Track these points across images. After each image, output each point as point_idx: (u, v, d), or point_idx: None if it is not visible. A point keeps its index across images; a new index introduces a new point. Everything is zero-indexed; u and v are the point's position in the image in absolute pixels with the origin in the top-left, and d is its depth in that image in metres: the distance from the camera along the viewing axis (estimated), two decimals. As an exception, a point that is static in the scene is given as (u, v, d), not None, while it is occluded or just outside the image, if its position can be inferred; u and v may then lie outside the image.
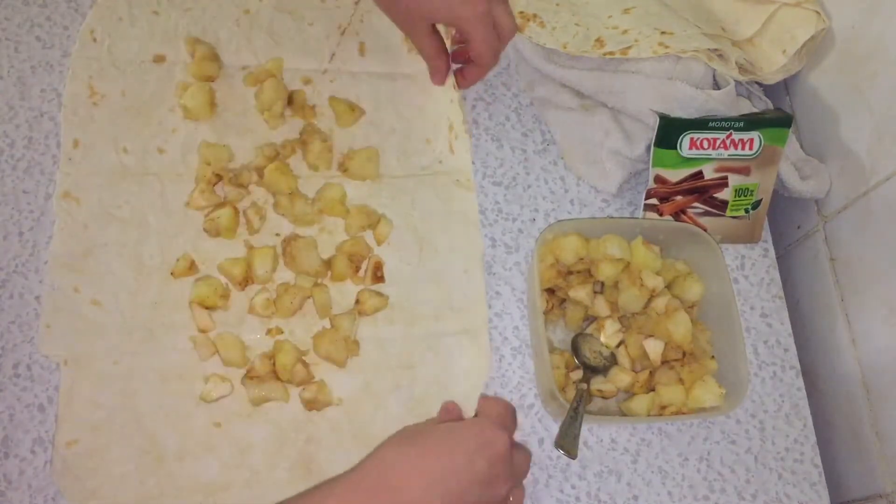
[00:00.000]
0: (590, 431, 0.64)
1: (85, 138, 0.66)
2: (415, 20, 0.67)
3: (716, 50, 0.69)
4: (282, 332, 0.62)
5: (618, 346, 0.64)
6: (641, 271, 0.64)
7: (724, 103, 0.69)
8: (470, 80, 0.72)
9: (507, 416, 0.57)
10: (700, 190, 0.69)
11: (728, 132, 0.67)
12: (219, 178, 0.65)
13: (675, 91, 0.67)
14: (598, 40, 0.71)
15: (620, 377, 0.63)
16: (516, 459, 0.55)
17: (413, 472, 0.51)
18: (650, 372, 0.63)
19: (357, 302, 0.63)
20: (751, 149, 0.68)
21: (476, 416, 0.59)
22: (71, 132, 0.66)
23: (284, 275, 0.64)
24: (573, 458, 0.59)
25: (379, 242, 0.66)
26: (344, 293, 0.64)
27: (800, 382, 0.68)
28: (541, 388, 0.64)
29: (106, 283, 0.62)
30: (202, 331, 0.61)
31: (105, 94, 0.67)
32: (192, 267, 0.63)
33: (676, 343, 0.63)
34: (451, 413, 0.59)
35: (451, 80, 0.72)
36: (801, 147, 0.73)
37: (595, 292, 0.65)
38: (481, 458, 0.52)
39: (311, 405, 0.60)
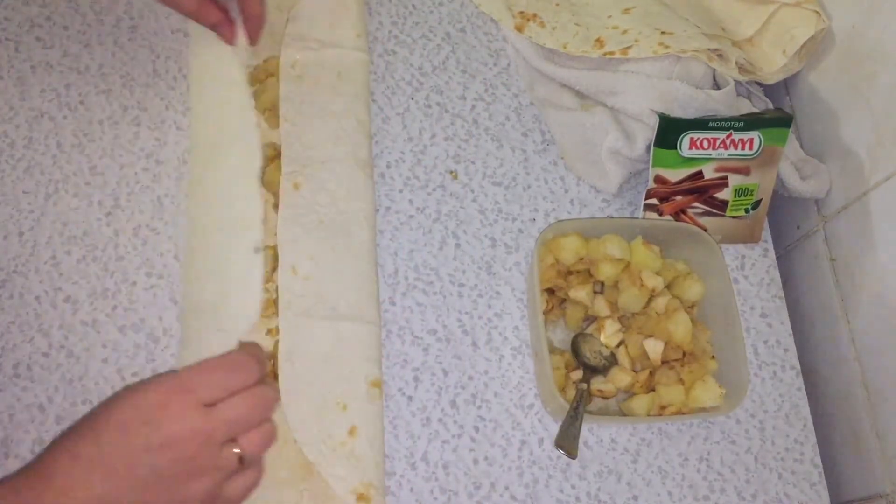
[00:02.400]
0: (590, 431, 0.64)
1: None
2: None
3: (716, 50, 0.69)
4: None
5: (618, 346, 0.64)
6: (641, 271, 0.64)
7: (724, 103, 0.69)
8: (254, 36, 0.69)
9: (193, 373, 0.47)
10: (700, 190, 0.69)
11: (728, 132, 0.67)
12: None
13: (675, 91, 0.67)
14: (598, 40, 0.71)
15: (620, 377, 0.63)
16: (228, 407, 0.46)
17: (96, 481, 0.44)
18: (650, 372, 0.63)
19: None
20: (751, 149, 0.68)
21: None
22: None
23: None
24: (573, 458, 0.59)
25: None
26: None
27: (800, 382, 0.68)
28: (541, 388, 0.64)
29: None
30: None
31: None
32: None
33: (676, 343, 0.63)
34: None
35: (242, 37, 0.69)
36: (801, 147, 0.74)
37: (595, 292, 0.65)
38: (144, 431, 0.44)
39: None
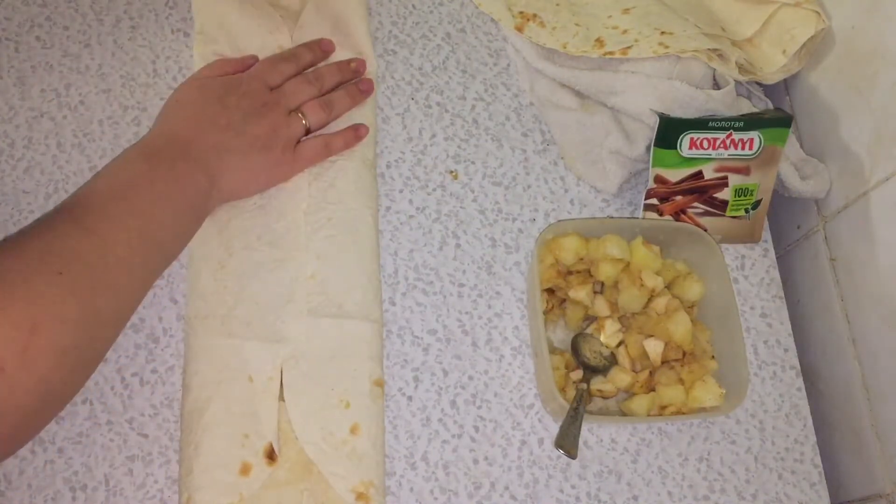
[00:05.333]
0: (590, 431, 0.64)
1: None
2: None
3: (716, 50, 0.69)
4: None
5: (618, 346, 0.64)
6: (641, 271, 0.64)
7: (724, 103, 0.69)
8: None
9: (259, 65, 0.65)
10: (700, 190, 0.69)
11: (728, 132, 0.67)
12: None
13: (675, 91, 0.67)
14: (598, 40, 0.71)
15: (620, 377, 0.63)
16: (289, 84, 0.64)
17: (194, 125, 0.59)
18: (650, 372, 0.63)
19: None
20: (751, 149, 0.68)
21: None
22: None
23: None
24: (573, 458, 0.59)
25: None
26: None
27: (800, 382, 0.68)
28: (541, 388, 0.64)
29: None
30: None
31: None
32: None
33: (676, 343, 0.63)
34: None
35: None
36: (801, 147, 0.73)
37: (595, 292, 0.65)
38: (231, 98, 0.61)
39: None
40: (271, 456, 0.58)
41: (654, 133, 0.67)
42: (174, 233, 0.57)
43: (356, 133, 0.67)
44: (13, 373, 0.44)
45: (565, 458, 0.62)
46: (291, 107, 0.64)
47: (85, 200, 0.54)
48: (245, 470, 0.57)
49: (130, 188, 0.55)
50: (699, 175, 0.69)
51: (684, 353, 0.63)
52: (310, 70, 0.68)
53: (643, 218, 0.70)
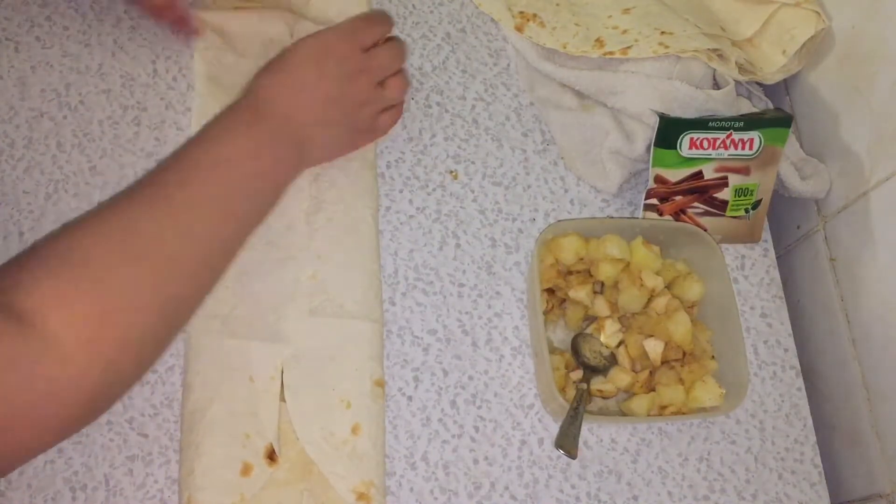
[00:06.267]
0: (590, 431, 0.64)
1: None
2: None
3: (716, 50, 0.69)
4: None
5: (618, 346, 0.64)
6: (641, 271, 0.64)
7: (724, 103, 0.69)
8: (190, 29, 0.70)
9: (356, 23, 0.64)
10: (700, 190, 0.69)
11: (728, 132, 0.67)
12: None
13: (675, 91, 0.67)
14: (598, 40, 0.71)
15: (620, 377, 0.63)
16: (380, 53, 0.63)
17: (294, 97, 0.59)
18: (650, 372, 0.63)
19: None
20: (751, 149, 0.68)
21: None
22: None
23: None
24: (573, 458, 0.59)
25: None
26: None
27: (800, 382, 0.68)
28: (541, 388, 0.64)
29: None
30: None
31: None
32: None
33: (676, 343, 0.63)
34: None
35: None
36: (801, 147, 0.73)
37: (595, 292, 0.65)
38: (329, 64, 0.60)
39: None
40: (272, 457, 0.58)
41: (654, 133, 0.67)
42: (258, 211, 0.57)
43: (400, 112, 0.70)
44: (80, 362, 0.43)
45: (565, 458, 0.62)
46: (379, 78, 0.64)
47: (174, 172, 0.53)
48: (246, 470, 0.57)
49: (227, 163, 0.54)
50: (699, 175, 0.69)
51: (684, 353, 0.63)
52: (392, 40, 0.68)
53: (643, 218, 0.70)
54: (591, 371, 0.63)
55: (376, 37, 0.64)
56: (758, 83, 0.75)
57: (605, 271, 0.64)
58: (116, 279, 0.46)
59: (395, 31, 0.76)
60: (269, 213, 0.58)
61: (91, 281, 0.45)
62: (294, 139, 0.59)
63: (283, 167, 0.59)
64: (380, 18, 0.66)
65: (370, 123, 0.66)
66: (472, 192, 0.71)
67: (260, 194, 0.57)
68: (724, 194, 0.69)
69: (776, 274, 0.72)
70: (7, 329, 0.41)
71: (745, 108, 0.71)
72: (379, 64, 0.64)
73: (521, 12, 0.75)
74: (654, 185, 0.69)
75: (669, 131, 0.67)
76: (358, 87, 0.62)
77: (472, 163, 0.72)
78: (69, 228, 0.49)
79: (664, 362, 0.63)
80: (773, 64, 0.72)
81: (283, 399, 0.60)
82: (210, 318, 0.61)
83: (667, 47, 0.67)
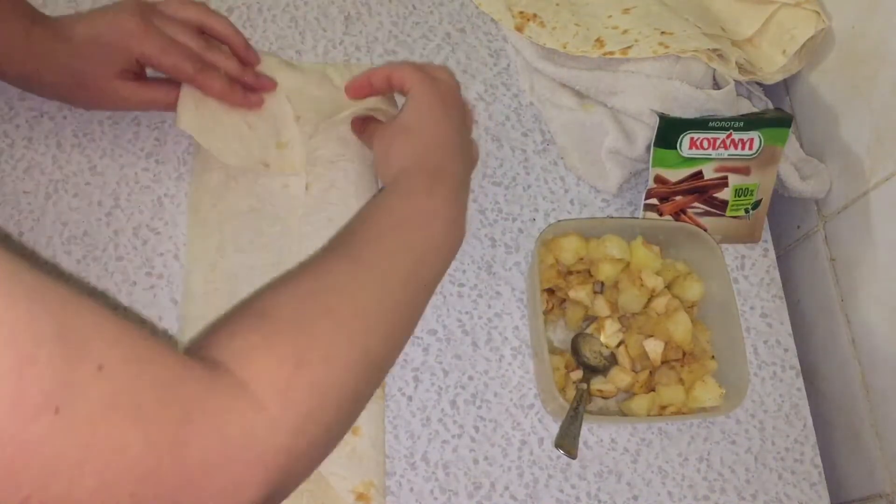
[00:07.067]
0: (590, 431, 0.64)
1: None
2: (96, 78, 0.61)
3: (716, 50, 0.69)
4: None
5: (618, 346, 0.64)
6: (641, 271, 0.64)
7: (724, 103, 0.69)
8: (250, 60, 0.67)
9: (440, 70, 0.64)
10: (700, 190, 0.69)
11: (728, 132, 0.67)
12: None
13: (675, 91, 0.67)
14: (598, 40, 0.71)
15: (620, 377, 0.63)
16: (448, 80, 0.64)
17: (435, 152, 0.59)
18: (650, 372, 0.63)
19: None
20: (751, 149, 0.68)
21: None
22: None
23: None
24: (573, 458, 0.59)
25: None
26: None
27: (800, 382, 0.68)
28: (541, 388, 0.64)
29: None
30: None
31: None
32: None
33: (676, 343, 0.63)
34: (369, 85, 0.65)
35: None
36: (801, 147, 0.74)
37: (595, 292, 0.65)
38: (435, 110, 0.60)
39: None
40: None
41: (654, 133, 0.67)
42: (439, 271, 0.56)
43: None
44: (275, 410, 0.40)
45: (565, 458, 0.62)
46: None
47: (362, 233, 0.53)
48: None
49: (408, 223, 0.54)
50: (699, 175, 0.69)
51: (684, 353, 0.63)
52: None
53: (643, 218, 0.70)
54: (591, 371, 0.63)
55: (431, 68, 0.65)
56: (758, 83, 0.75)
57: (605, 271, 0.64)
58: (311, 330, 0.45)
59: (395, 32, 0.76)
60: (444, 273, 0.58)
61: (285, 333, 0.44)
62: (458, 196, 0.58)
63: (459, 222, 0.58)
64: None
65: (472, 156, 0.65)
66: (472, 192, 0.71)
67: (437, 256, 0.55)
68: (724, 194, 0.69)
69: (776, 274, 0.72)
70: (201, 376, 0.39)
71: (745, 108, 0.71)
72: (454, 90, 0.64)
73: (521, 12, 0.75)
74: (654, 185, 0.69)
75: (669, 131, 0.67)
76: (467, 122, 0.64)
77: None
78: (264, 291, 0.48)
79: (664, 362, 0.63)
80: (773, 64, 0.72)
81: None
82: (197, 320, 0.61)
83: (667, 47, 0.68)
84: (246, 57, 0.66)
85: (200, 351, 0.42)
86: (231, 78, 0.64)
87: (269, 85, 0.67)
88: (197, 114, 0.63)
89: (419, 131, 0.60)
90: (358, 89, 0.66)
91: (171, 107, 0.64)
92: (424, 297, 0.55)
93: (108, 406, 0.33)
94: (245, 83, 0.65)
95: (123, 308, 0.62)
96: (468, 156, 0.63)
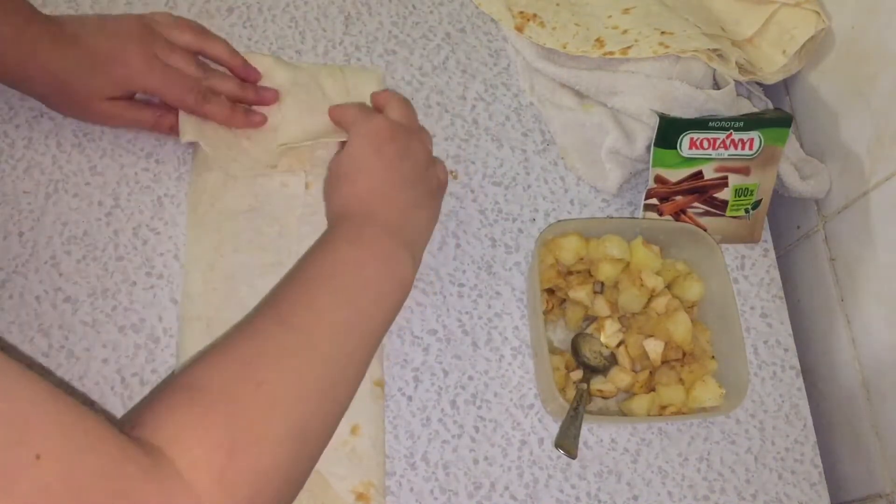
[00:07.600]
0: (590, 431, 0.64)
1: None
2: (87, 97, 0.62)
3: (716, 50, 0.69)
4: None
5: (618, 346, 0.64)
6: (641, 271, 0.64)
7: (724, 103, 0.69)
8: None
9: (405, 108, 0.63)
10: (700, 190, 0.69)
11: (728, 132, 0.67)
12: None
13: (675, 91, 0.67)
14: (598, 40, 0.71)
15: (620, 377, 0.63)
16: (403, 113, 0.63)
17: (371, 195, 0.58)
18: (650, 372, 0.63)
19: None
20: (751, 149, 0.68)
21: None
22: None
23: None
24: (573, 458, 0.59)
25: None
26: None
27: (800, 382, 0.68)
28: (541, 388, 0.64)
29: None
30: None
31: None
32: None
33: (676, 343, 0.63)
34: (344, 116, 0.64)
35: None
36: (801, 147, 0.74)
37: (595, 292, 0.65)
38: (384, 148, 0.59)
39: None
40: None
41: (654, 133, 0.67)
42: (381, 319, 0.54)
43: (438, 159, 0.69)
44: (210, 500, 0.40)
45: (565, 458, 0.62)
46: (420, 134, 0.63)
47: (290, 291, 0.52)
48: None
49: (337, 275, 0.52)
50: (699, 175, 0.69)
51: (684, 353, 0.63)
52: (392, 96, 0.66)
53: (643, 218, 0.70)
54: (591, 371, 0.63)
55: (387, 99, 0.64)
56: (758, 83, 0.75)
57: (605, 271, 0.64)
58: (243, 409, 0.43)
59: (395, 32, 0.76)
60: (394, 316, 0.56)
61: (218, 410, 0.43)
62: (396, 234, 0.56)
63: (398, 270, 0.55)
64: (410, 106, 0.65)
65: (438, 179, 0.63)
66: (472, 192, 0.71)
67: (377, 302, 0.54)
68: (724, 194, 0.69)
69: (776, 274, 0.72)
70: (138, 465, 0.38)
71: (745, 108, 0.71)
72: (411, 122, 0.63)
73: (521, 12, 0.75)
74: (654, 185, 0.69)
75: (669, 131, 0.67)
76: (416, 153, 0.61)
77: (472, 163, 0.72)
78: (196, 359, 0.47)
79: (664, 362, 0.63)
80: (773, 64, 0.72)
81: None
82: (194, 320, 0.61)
83: (667, 47, 0.68)
84: (246, 77, 0.67)
85: (135, 430, 0.41)
86: (233, 99, 0.65)
87: (271, 97, 0.67)
88: (198, 135, 0.64)
89: (347, 177, 0.59)
90: (331, 118, 0.66)
91: (157, 127, 0.65)
92: (366, 348, 0.52)
93: (44, 494, 0.33)
94: (247, 101, 0.66)
95: (123, 308, 0.62)
96: (423, 187, 0.60)
